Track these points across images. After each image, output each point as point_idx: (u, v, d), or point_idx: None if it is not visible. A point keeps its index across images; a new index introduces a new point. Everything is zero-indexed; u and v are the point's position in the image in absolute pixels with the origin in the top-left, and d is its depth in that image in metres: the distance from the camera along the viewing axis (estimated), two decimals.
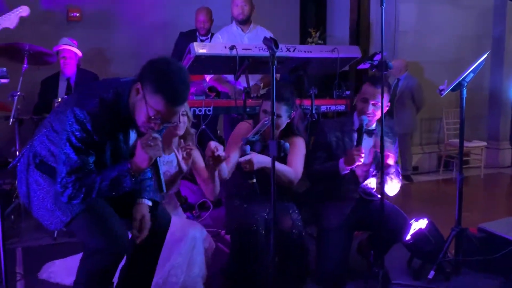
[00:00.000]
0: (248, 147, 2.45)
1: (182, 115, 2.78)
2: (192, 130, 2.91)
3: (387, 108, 2.91)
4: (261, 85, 4.05)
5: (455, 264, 3.08)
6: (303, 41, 8.20)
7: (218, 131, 4.91)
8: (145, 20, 5.84)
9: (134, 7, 5.85)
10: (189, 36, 5.09)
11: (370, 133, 2.97)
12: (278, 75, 4.21)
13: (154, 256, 2.43)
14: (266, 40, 1.96)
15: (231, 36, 4.08)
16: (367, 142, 2.98)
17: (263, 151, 2.61)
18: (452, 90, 3.07)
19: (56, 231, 3.72)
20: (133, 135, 2.20)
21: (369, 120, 2.91)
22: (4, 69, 2.12)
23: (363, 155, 2.82)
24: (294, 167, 2.90)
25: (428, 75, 6.86)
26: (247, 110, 3.60)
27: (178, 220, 2.73)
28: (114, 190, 2.06)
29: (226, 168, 2.78)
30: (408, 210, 3.15)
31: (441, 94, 3.07)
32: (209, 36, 5.07)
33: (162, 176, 2.08)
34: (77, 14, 5.52)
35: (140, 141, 2.02)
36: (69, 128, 1.97)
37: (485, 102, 7.49)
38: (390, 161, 2.86)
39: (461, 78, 3.00)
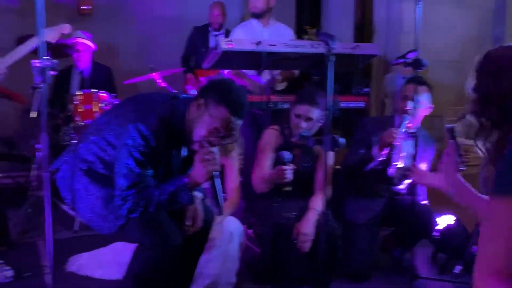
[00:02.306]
0: (287, 155, 2.51)
1: None
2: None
3: (430, 110, 2.95)
4: (280, 78, 4.07)
5: None
6: (299, 38, 8.26)
7: None
8: (156, 14, 5.81)
9: (145, 0, 5.82)
10: (203, 31, 5.11)
11: (410, 136, 3.00)
12: (297, 71, 4.24)
13: (199, 249, 2.46)
14: (324, 35, 1.99)
15: (251, 31, 4.09)
16: (407, 145, 3.02)
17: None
18: None
19: (77, 224, 3.72)
20: (183, 152, 2.27)
21: (410, 119, 2.93)
22: (56, 61, 2.13)
23: (395, 134, 2.80)
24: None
25: (431, 74, 6.93)
26: (270, 105, 3.62)
27: None
28: (171, 205, 2.11)
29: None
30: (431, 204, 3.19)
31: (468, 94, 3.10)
32: (223, 31, 5.08)
33: (219, 192, 2.11)
34: (89, 7, 5.47)
35: (198, 156, 2.07)
36: (131, 143, 2.02)
37: None
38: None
39: None
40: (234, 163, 2.99)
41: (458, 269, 2.98)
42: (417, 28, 2.68)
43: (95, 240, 3.45)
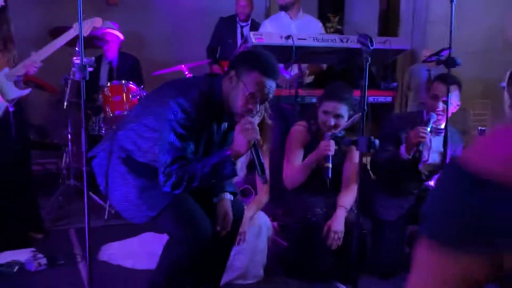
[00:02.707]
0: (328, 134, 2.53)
1: None
2: (269, 121, 2.96)
3: (458, 107, 2.94)
4: (307, 72, 4.07)
5: None
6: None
7: None
8: (182, 4, 5.83)
9: None
10: (230, 22, 5.11)
11: (438, 132, 3.00)
12: (325, 65, 4.23)
13: (229, 245, 2.51)
14: (361, 37, 2.00)
15: (279, 24, 4.09)
16: (435, 142, 3.02)
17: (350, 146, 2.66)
18: None
19: (106, 213, 3.80)
20: (223, 127, 2.28)
21: (438, 119, 2.93)
22: (93, 58, 2.18)
23: (423, 134, 2.79)
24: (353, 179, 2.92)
25: (457, 66, 6.86)
26: (298, 99, 3.63)
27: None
28: (215, 177, 2.12)
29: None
30: None
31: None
32: (249, 21, 5.08)
33: (262, 159, 2.12)
34: None
35: (238, 126, 2.09)
36: (173, 117, 2.04)
37: None
38: None
39: None
40: (264, 159, 3.01)
41: None
42: (452, 26, 2.64)
43: (125, 229, 3.53)
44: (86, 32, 2.98)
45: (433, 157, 3.07)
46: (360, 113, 2.11)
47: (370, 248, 3.06)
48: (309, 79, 4.13)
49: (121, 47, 4.80)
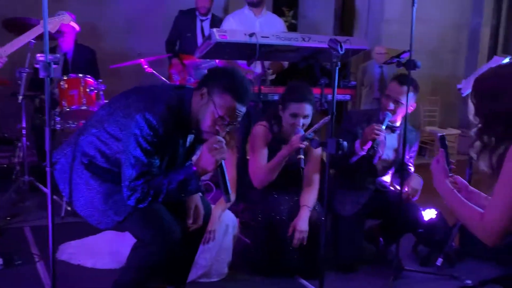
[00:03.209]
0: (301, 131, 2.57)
1: None
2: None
3: (412, 108, 3.04)
4: (271, 71, 4.09)
5: (460, 252, 3.29)
6: None
7: None
8: None
9: None
10: (189, 15, 5.05)
11: (393, 129, 3.09)
12: (286, 63, 4.27)
13: (196, 243, 2.51)
14: (332, 41, 2.03)
15: (243, 20, 4.09)
16: (390, 139, 3.12)
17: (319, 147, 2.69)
18: None
19: (63, 210, 3.70)
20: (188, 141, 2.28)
21: (392, 116, 3.02)
22: (58, 55, 2.11)
23: (378, 131, 2.87)
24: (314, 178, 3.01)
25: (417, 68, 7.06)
26: (261, 97, 3.65)
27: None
28: (180, 194, 2.12)
29: None
30: None
31: (462, 94, 3.22)
32: (210, 16, 5.04)
33: (227, 179, 2.13)
34: None
35: (206, 145, 2.09)
36: (139, 132, 2.01)
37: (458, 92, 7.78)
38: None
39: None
40: (233, 157, 3.02)
41: (439, 261, 3.13)
42: (413, 28, 2.73)
43: (83, 227, 3.43)
44: (53, 29, 2.89)
45: (387, 154, 3.17)
46: (330, 116, 2.13)
47: (331, 244, 3.16)
48: (271, 77, 4.14)
49: (77, 38, 4.66)
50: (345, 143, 2.03)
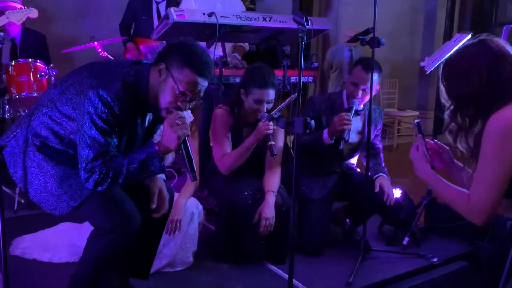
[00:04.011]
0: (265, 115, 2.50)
1: None
2: (198, 104, 2.85)
3: (376, 91, 3.01)
4: (236, 55, 3.99)
5: (425, 231, 3.30)
6: None
7: None
8: None
9: None
10: None
11: (358, 113, 3.05)
12: (247, 44, 4.16)
13: (158, 232, 2.41)
14: (297, 16, 1.94)
15: (204, 1, 3.94)
16: (354, 122, 3.08)
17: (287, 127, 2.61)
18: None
19: (16, 204, 3.51)
20: (148, 120, 2.17)
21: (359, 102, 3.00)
22: (2, 33, 1.94)
23: (347, 121, 2.84)
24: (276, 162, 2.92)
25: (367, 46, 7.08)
26: (222, 79, 3.54)
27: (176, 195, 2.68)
28: (142, 174, 1.99)
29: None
30: None
31: (426, 71, 3.20)
32: None
33: (192, 157, 2.02)
34: None
35: (167, 121, 1.97)
36: (93, 110, 1.88)
37: (416, 74, 7.90)
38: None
39: (445, 58, 3.13)
40: (194, 141, 2.91)
41: (406, 241, 3.12)
42: (376, 7, 2.68)
43: (37, 221, 3.29)
44: (20, 20, 2.72)
45: (352, 137, 3.14)
46: (295, 94, 2.05)
47: (296, 228, 3.10)
48: (234, 60, 4.03)
49: (25, 22, 4.39)
50: (312, 122, 1.97)
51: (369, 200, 2.99)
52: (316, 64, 3.98)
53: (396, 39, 7.50)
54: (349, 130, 3.00)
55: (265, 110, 2.79)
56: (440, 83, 1.71)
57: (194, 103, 2.03)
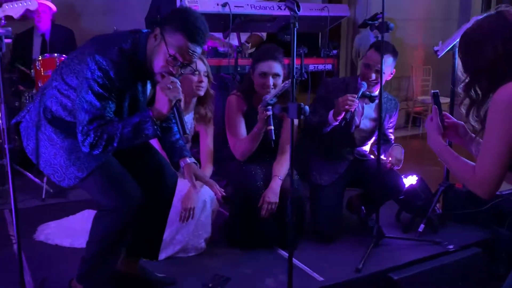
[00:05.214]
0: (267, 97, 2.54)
1: (204, 75, 2.83)
2: (212, 91, 2.93)
3: (391, 75, 2.97)
4: (249, 45, 4.01)
5: (442, 218, 3.25)
6: None
7: None
8: None
9: None
10: None
11: (373, 99, 3.02)
12: (264, 34, 4.18)
13: (165, 211, 2.45)
14: (288, 2, 1.95)
15: None
16: (368, 108, 3.05)
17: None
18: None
19: (44, 192, 3.68)
20: (150, 88, 2.22)
21: (369, 86, 2.96)
22: (10, 28, 2.04)
23: (351, 102, 2.81)
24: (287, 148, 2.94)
25: (399, 32, 6.95)
26: (238, 69, 3.58)
27: (188, 183, 2.74)
28: (136, 138, 2.04)
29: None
30: None
31: (438, 55, 3.14)
32: None
33: (184, 119, 2.07)
34: None
35: (159, 84, 2.03)
36: (90, 75, 1.96)
37: (451, 60, 7.66)
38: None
39: (456, 41, 3.06)
40: (209, 129, 2.99)
41: (421, 227, 3.09)
42: None
43: (63, 208, 3.44)
44: (17, 14, 2.82)
45: (365, 123, 3.12)
46: (290, 80, 2.07)
47: (309, 213, 3.12)
48: (250, 50, 4.06)
49: (55, 19, 4.58)
50: (306, 108, 1.97)
51: (382, 187, 2.97)
52: (335, 51, 3.96)
53: (431, 24, 7.32)
54: (361, 114, 2.99)
55: (271, 84, 2.82)
56: (458, 57, 1.68)
57: (188, 69, 2.08)
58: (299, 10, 1.94)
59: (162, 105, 2.03)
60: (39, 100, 2.19)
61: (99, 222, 2.16)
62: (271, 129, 2.63)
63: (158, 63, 2.04)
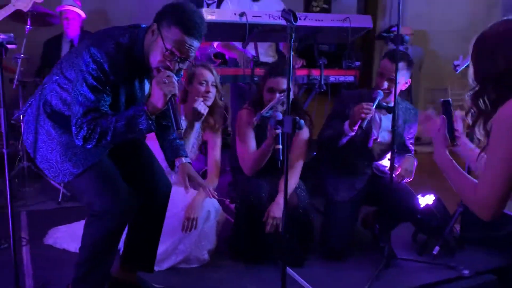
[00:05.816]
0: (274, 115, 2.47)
1: (212, 85, 2.81)
2: (221, 103, 2.91)
3: (407, 85, 2.87)
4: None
5: (460, 240, 3.09)
6: (307, 5, 8.02)
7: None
8: None
9: None
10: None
11: (390, 109, 2.92)
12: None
13: (158, 222, 2.43)
14: (284, 12, 1.90)
15: (241, 4, 3.96)
16: (386, 120, 2.96)
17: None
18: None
19: (60, 195, 3.73)
20: (147, 85, 2.21)
21: (385, 95, 2.87)
22: (12, 34, 2.07)
23: (367, 110, 2.73)
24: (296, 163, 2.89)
25: (434, 44, 6.75)
26: (255, 79, 3.54)
27: (193, 193, 2.73)
28: (130, 132, 2.02)
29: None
30: (411, 182, 3.10)
31: (456, 70, 3.01)
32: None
33: (178, 116, 2.04)
34: None
35: (155, 78, 2.01)
36: (85, 68, 1.96)
37: None
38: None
39: None
40: (216, 139, 2.96)
41: (436, 250, 2.95)
42: (400, 3, 2.54)
43: (77, 212, 3.47)
44: (26, 7, 2.85)
45: (384, 136, 3.01)
46: (285, 94, 2.01)
47: (319, 229, 3.03)
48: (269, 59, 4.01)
49: (84, 26, 4.67)
50: (302, 122, 1.91)
51: (398, 208, 2.85)
52: (358, 63, 3.86)
53: (471, 37, 7.08)
54: (379, 126, 2.90)
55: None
56: (471, 65, 1.60)
57: (186, 63, 2.06)
58: (295, 21, 1.89)
59: (157, 99, 2.00)
60: (39, 94, 2.20)
61: (89, 227, 2.16)
62: (279, 148, 2.55)
63: (155, 58, 2.02)
